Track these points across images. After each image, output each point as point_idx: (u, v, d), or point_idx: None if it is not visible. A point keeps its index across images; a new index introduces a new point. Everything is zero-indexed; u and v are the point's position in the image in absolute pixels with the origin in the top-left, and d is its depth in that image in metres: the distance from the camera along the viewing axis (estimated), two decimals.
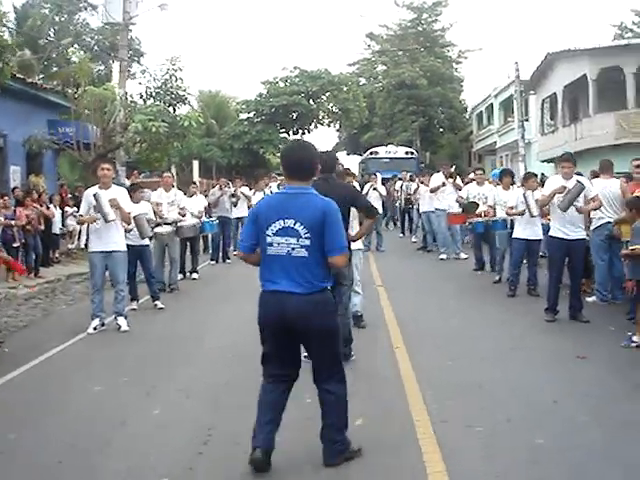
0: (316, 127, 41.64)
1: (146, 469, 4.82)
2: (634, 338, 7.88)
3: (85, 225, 18.62)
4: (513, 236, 11.50)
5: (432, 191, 16.54)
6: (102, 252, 9.29)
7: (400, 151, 35.41)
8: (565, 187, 9.17)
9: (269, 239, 4.61)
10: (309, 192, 4.70)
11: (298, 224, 4.54)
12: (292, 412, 5.03)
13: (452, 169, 17.39)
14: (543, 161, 32.73)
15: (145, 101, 20.42)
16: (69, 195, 19.90)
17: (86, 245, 18.61)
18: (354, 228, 7.79)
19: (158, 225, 12.03)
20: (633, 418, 5.68)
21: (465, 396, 6.27)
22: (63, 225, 18.28)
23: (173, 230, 12.41)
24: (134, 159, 23.28)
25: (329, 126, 43.14)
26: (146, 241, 10.97)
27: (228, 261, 16.87)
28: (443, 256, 16.21)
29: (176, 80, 20.50)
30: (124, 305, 9.72)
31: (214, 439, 5.29)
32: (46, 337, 9.19)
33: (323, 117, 41.16)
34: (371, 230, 14.58)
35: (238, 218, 16.88)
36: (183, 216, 12.70)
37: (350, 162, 49.15)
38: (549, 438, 5.19)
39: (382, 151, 35.06)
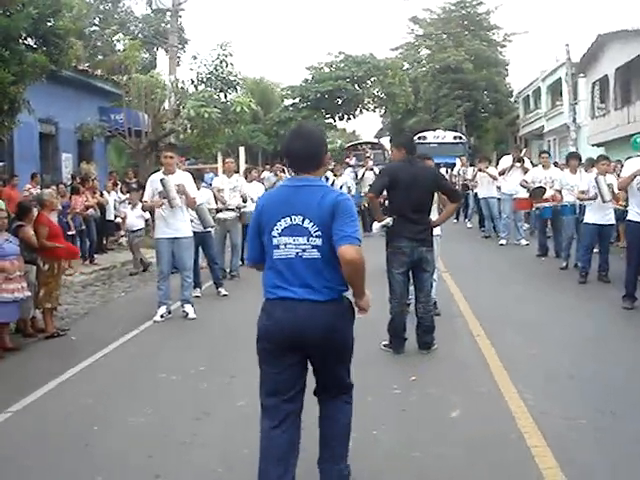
0: (361, 112, 41.24)
1: (239, 462, 4.66)
2: None
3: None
4: (584, 221, 11.17)
5: (500, 174, 16.17)
6: (168, 238, 9.18)
7: (448, 136, 34.95)
8: None
9: (275, 240, 3.92)
10: (318, 184, 4.01)
11: (307, 221, 3.85)
12: None
13: (522, 152, 16.90)
14: (593, 145, 32.02)
15: (196, 87, 20.27)
16: (118, 182, 19.88)
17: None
18: (434, 213, 7.60)
19: (220, 211, 11.89)
20: None
21: (558, 386, 6.06)
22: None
23: (236, 216, 12.26)
24: (184, 145, 23.20)
25: (374, 111, 42.73)
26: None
27: None
28: (503, 242, 15.89)
29: (227, 65, 20.33)
30: (191, 292, 9.62)
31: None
32: (110, 325, 9.13)
33: (368, 102, 40.69)
34: None
35: None
36: (244, 201, 12.55)
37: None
38: None
39: (430, 136, 34.62)
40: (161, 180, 8.98)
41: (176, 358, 7.44)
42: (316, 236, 3.86)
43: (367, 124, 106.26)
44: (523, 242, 15.83)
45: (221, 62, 20.29)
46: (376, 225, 7.20)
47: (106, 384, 6.60)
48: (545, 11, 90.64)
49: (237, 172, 13.29)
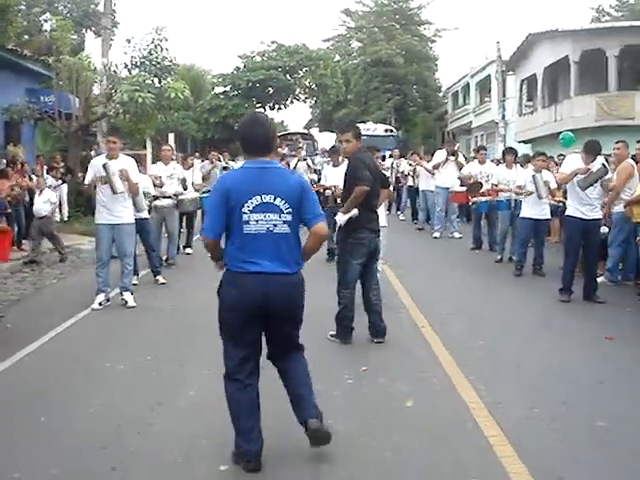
0: (292, 102, 41.18)
1: (197, 451, 4.60)
2: None
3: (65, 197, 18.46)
4: (521, 215, 11.41)
5: (434, 167, 16.35)
6: (109, 224, 8.96)
7: (379, 129, 35.23)
8: (589, 169, 9.06)
9: (245, 217, 4.23)
10: (280, 166, 4.56)
11: (279, 199, 4.25)
12: None
13: (456, 147, 17.13)
14: (520, 142, 32.72)
15: (130, 71, 19.85)
16: (45, 166, 19.29)
17: (69, 217, 18.45)
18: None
19: (157, 198, 11.68)
20: None
21: (508, 376, 6.17)
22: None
23: (173, 204, 12.08)
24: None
25: (305, 102, 42.76)
26: (146, 214, 10.64)
27: None
28: (437, 234, 16.08)
29: (161, 50, 19.97)
30: (130, 279, 9.43)
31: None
32: (47, 313, 8.86)
33: (299, 92, 40.68)
34: None
35: None
36: (185, 189, 12.38)
37: (324, 139, 48.85)
38: (609, 420, 5.10)
39: (361, 128, 34.67)
40: (104, 165, 8.73)
41: (120, 347, 7.27)
42: (287, 213, 4.28)
43: (296, 114, 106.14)
44: (457, 235, 16.07)
45: (156, 47, 19.91)
46: (343, 217, 7.13)
47: (49, 374, 6.38)
48: (475, 9, 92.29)
49: (173, 159, 13.07)
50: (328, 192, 12.23)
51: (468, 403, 5.42)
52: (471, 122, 43.04)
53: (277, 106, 40.24)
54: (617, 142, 10.53)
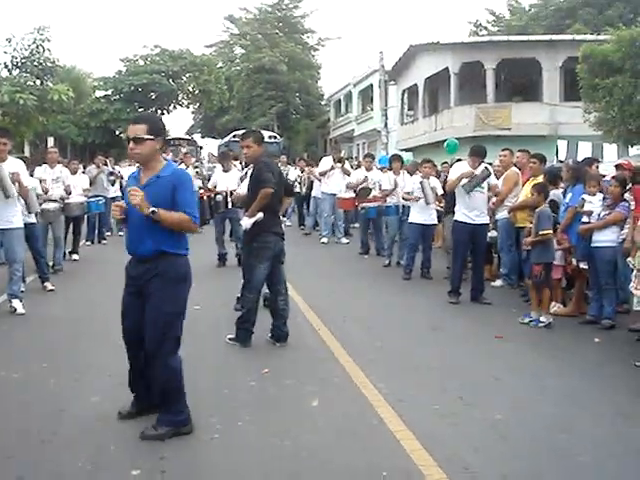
0: (175, 108, 40.86)
1: (105, 458, 4.54)
2: (541, 318, 8.29)
3: None
4: (409, 221, 11.76)
5: (321, 174, 16.56)
6: None
7: (264, 135, 35.20)
8: (473, 172, 9.47)
9: None
10: None
11: None
12: None
13: (341, 153, 17.42)
14: (402, 149, 33.54)
15: (10, 71, 19.24)
16: None
17: None
18: None
19: (43, 202, 11.33)
20: (571, 388, 6.02)
21: (407, 375, 6.34)
22: None
23: (59, 207, 11.76)
24: None
25: (188, 107, 42.52)
26: (33, 218, 10.33)
27: (104, 242, 16.29)
28: (324, 240, 16.29)
29: (43, 51, 19.48)
30: (19, 286, 9.11)
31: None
32: None
33: (183, 98, 40.42)
34: None
35: (113, 198, 16.36)
36: (68, 193, 12.10)
37: (206, 144, 48.66)
38: (505, 413, 5.36)
39: None
40: None
41: (13, 355, 7.01)
42: None
43: (178, 120, 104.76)
44: (343, 240, 16.34)
45: (37, 47, 19.43)
46: (248, 220, 7.16)
47: None
48: (358, 19, 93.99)
49: (59, 162, 12.74)
50: (219, 197, 12.22)
51: (371, 401, 5.56)
52: (353, 130, 43.81)
53: (160, 111, 39.72)
54: (503, 149, 11.01)
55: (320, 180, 16.79)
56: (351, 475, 4.30)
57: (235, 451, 4.61)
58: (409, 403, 5.52)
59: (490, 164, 10.62)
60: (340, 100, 48.55)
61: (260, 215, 7.12)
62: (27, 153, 37.31)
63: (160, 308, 4.76)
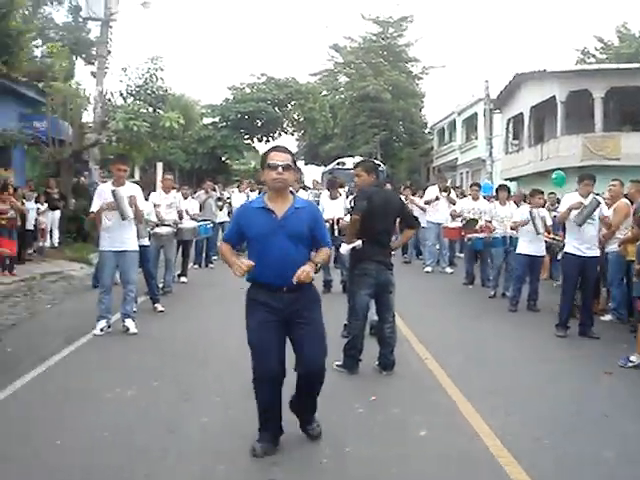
0: (280, 135, 41.49)
1: (216, 476, 4.65)
2: (632, 358, 7.95)
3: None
4: (517, 251, 11.59)
5: (426, 203, 16.54)
6: (114, 251, 9.02)
7: (376, 164, 35.37)
8: (582, 203, 9.30)
9: None
10: None
11: None
12: None
13: (447, 182, 17.37)
14: (506, 179, 33.11)
15: (125, 99, 20.06)
16: (34, 192, 19.26)
17: (59, 243, 18.44)
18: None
19: (157, 226, 11.75)
20: None
21: (515, 409, 6.25)
22: (35, 222, 17.77)
23: (172, 231, 12.16)
24: (106, 157, 22.83)
25: (292, 134, 43.11)
26: (146, 241, 10.72)
27: (211, 265, 16.68)
28: (428, 269, 16.22)
29: (156, 80, 20.23)
30: (132, 307, 9.44)
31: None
32: (47, 338, 8.86)
33: (288, 125, 41.04)
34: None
35: (221, 223, 16.82)
36: (181, 218, 12.51)
37: (309, 171, 49.25)
38: (615, 451, 5.22)
39: (349, 162, 35.02)
40: (112, 191, 8.81)
41: (126, 373, 7.28)
42: None
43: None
44: (448, 270, 16.22)
45: (151, 76, 20.20)
46: (346, 247, 7.27)
47: (57, 398, 6.39)
48: (462, 47, 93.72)
49: (174, 188, 13.18)
50: (327, 225, 12.33)
51: (479, 433, 5.52)
52: (457, 159, 43.53)
53: (265, 138, 40.48)
54: (613, 180, 10.76)
55: (423, 209, 16.74)
56: None
57: (343, 476, 4.65)
58: (516, 436, 5.45)
59: (598, 194, 10.39)
60: (444, 128, 48.37)
61: (358, 243, 7.21)
62: (137, 177, 38.76)
63: (320, 330, 5.03)
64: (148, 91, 20.01)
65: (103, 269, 9.18)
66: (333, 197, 12.93)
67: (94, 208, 9.15)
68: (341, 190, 14.65)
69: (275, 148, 5.03)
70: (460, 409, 6.13)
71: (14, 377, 6.94)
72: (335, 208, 12.54)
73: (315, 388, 5.13)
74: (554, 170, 26.45)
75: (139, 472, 4.67)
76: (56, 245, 18.69)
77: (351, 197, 11.84)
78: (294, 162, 4.98)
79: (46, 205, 18.16)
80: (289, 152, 4.97)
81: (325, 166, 40.44)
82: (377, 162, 34.85)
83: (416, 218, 8.46)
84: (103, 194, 9.02)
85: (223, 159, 39.93)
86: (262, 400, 4.99)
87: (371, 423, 5.75)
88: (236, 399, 6.02)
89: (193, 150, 38.45)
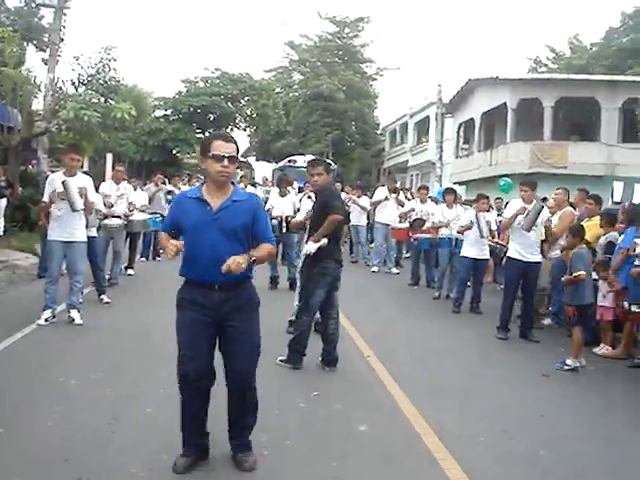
0: (232, 130, 41.30)
1: (158, 466, 4.70)
2: (567, 361, 8.20)
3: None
4: (461, 254, 11.83)
5: (375, 204, 16.71)
6: (62, 241, 8.96)
7: (332, 165, 35.58)
8: (525, 209, 9.54)
9: None
10: None
11: None
12: None
13: (396, 184, 17.57)
14: (456, 183, 33.51)
15: (77, 88, 19.82)
16: None
17: (4, 232, 18.13)
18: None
19: (106, 217, 11.68)
20: (615, 432, 6.06)
21: (454, 407, 6.42)
22: None
23: (122, 224, 12.11)
24: (54, 147, 22.55)
25: (245, 130, 43.03)
26: (94, 232, 10.67)
27: (158, 259, 16.62)
28: (375, 269, 16.40)
29: (109, 70, 20.04)
30: (79, 297, 9.37)
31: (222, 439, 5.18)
32: None
33: (240, 121, 40.93)
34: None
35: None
36: (131, 210, 12.46)
37: (260, 168, 49.30)
38: (549, 449, 5.42)
39: (300, 160, 35.09)
40: (63, 182, 8.75)
41: (70, 363, 7.27)
42: None
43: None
44: (394, 270, 16.43)
45: (104, 66, 20.00)
46: (313, 245, 7.37)
47: (3, 385, 6.37)
48: (417, 51, 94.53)
49: (125, 180, 13.10)
50: (274, 222, 12.40)
51: (418, 430, 5.66)
52: (407, 161, 43.89)
53: None
54: (558, 188, 11.04)
55: (364, 209, 17.01)
56: None
57: (282, 469, 4.75)
58: (455, 434, 5.60)
59: (545, 199, 10.66)
60: (396, 130, 48.72)
61: (325, 241, 7.32)
62: (86, 168, 38.26)
63: (253, 341, 4.70)
64: (100, 81, 19.79)
65: (51, 259, 9.11)
66: (282, 194, 13.01)
67: (45, 197, 9.11)
68: (290, 188, 14.76)
69: (220, 136, 4.62)
70: (401, 407, 6.27)
71: None
72: (284, 205, 12.64)
73: (247, 404, 4.77)
74: (502, 176, 27.05)
75: (83, 461, 4.69)
76: (1, 234, 18.37)
77: (303, 195, 11.98)
78: (237, 151, 4.62)
79: None
80: (234, 141, 4.62)
81: (276, 163, 40.41)
82: (329, 161, 35.18)
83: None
84: (54, 183, 8.96)
85: (174, 152, 39.63)
86: (188, 407, 4.68)
87: (312, 418, 5.86)
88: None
89: (143, 142, 38.08)
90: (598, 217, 9.85)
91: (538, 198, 10.09)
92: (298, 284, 8.92)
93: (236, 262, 4.31)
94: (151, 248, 16.61)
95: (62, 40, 22.42)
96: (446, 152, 35.05)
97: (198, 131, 39.62)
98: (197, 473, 4.61)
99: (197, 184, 15.42)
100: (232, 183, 4.71)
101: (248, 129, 43.64)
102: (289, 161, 34.92)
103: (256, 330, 4.73)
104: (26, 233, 18.58)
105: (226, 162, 4.46)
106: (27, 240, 17.69)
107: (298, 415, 5.91)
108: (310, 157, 36.59)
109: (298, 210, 12.35)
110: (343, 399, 6.40)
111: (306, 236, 7.98)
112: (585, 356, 8.40)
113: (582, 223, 9.69)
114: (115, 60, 19.98)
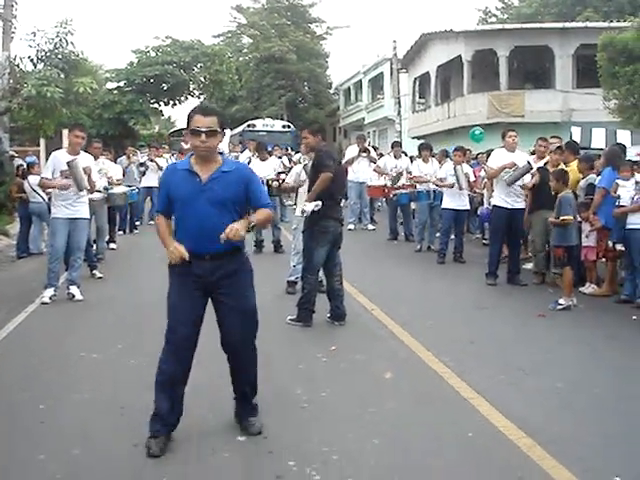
0: (186, 98, 40.91)
1: (207, 430, 4.87)
2: (560, 301, 8.59)
3: None
4: (442, 206, 12.16)
5: (347, 163, 16.87)
6: (67, 219, 9.03)
7: (277, 124, 35.55)
8: (515, 164, 9.83)
9: None
10: None
11: None
12: None
13: (366, 143, 17.76)
14: (414, 137, 33.86)
15: (35, 65, 19.51)
16: None
17: None
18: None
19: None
20: (623, 361, 6.50)
21: (466, 350, 6.76)
22: None
23: (103, 197, 12.13)
24: (18, 126, 22.27)
25: (199, 97, 42.54)
26: None
27: (136, 231, 16.68)
28: (351, 226, 16.60)
29: (67, 44, 19.72)
30: (79, 274, 9.46)
31: None
32: None
33: (194, 88, 40.48)
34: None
35: (147, 187, 16.84)
36: (110, 184, 12.49)
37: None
38: (565, 382, 5.80)
39: (259, 124, 35.09)
40: (68, 162, 8.78)
41: (87, 338, 7.33)
42: None
43: (185, 110, 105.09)
44: (370, 227, 16.71)
45: (61, 40, 19.66)
46: (309, 206, 7.55)
47: (27, 364, 6.41)
48: (366, 8, 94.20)
49: (102, 155, 13.08)
50: None
51: (440, 373, 5.98)
52: (364, 118, 44.04)
53: (172, 102, 39.91)
54: (539, 138, 11.22)
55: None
56: (438, 435, 4.71)
57: (327, 419, 5.01)
58: (475, 374, 5.92)
59: (534, 153, 10.96)
60: (350, 89, 48.78)
61: (318, 203, 7.52)
62: (42, 145, 37.73)
63: (249, 304, 4.73)
64: (59, 56, 19.44)
65: (56, 237, 9.09)
66: (263, 158, 13.16)
67: (46, 174, 9.13)
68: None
69: (199, 110, 4.59)
70: (417, 353, 6.59)
71: None
72: (265, 169, 12.79)
73: (246, 368, 4.83)
74: (461, 128, 27.46)
75: (136, 428, 4.80)
76: None
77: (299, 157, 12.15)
78: (221, 123, 4.54)
79: None
80: (214, 113, 4.56)
81: (231, 129, 40.20)
82: (287, 123, 35.18)
83: None
84: (57, 161, 8.99)
85: (129, 124, 39.17)
86: (165, 369, 4.68)
87: (337, 369, 6.13)
88: (206, 358, 6.16)
89: (98, 115, 37.52)
90: (575, 162, 10.15)
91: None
92: (294, 246, 9.21)
93: (234, 230, 4.35)
94: (127, 221, 16.63)
95: (15, 17, 22.04)
96: (403, 107, 35.30)
97: (152, 101, 39.14)
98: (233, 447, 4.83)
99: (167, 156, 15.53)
100: (221, 154, 4.71)
101: (202, 96, 43.20)
102: (248, 125, 34.90)
103: (250, 294, 4.75)
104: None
105: (203, 137, 4.42)
106: (1, 221, 17.61)
107: (323, 368, 6.17)
108: (269, 120, 36.76)
109: (279, 173, 12.61)
110: (361, 351, 6.68)
111: (304, 198, 8.14)
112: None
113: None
114: (72, 34, 19.60)
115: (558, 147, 10.73)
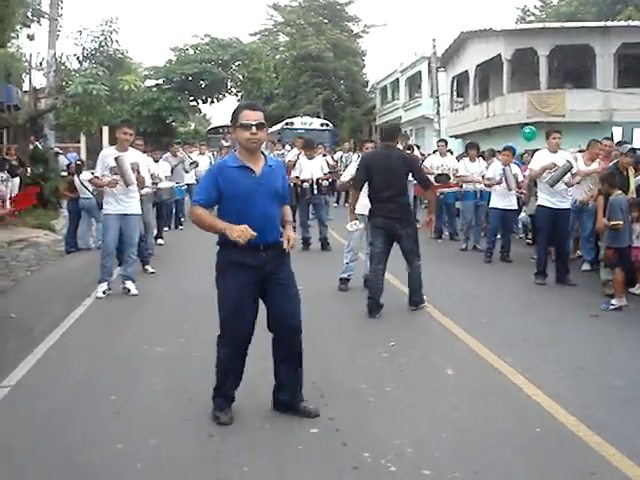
0: (224, 96, 41.24)
1: (285, 421, 4.98)
2: (613, 301, 8.59)
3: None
4: (490, 206, 12.20)
5: None
6: (118, 214, 9.21)
7: (315, 122, 35.57)
8: (555, 164, 9.85)
9: None
10: None
11: None
12: None
13: (410, 141, 17.80)
14: (451, 136, 33.75)
15: (81, 63, 19.85)
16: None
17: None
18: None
19: None
20: None
21: (522, 348, 6.81)
22: None
23: (152, 192, 12.29)
24: (62, 123, 22.62)
25: (236, 95, 42.83)
26: None
27: (181, 227, 16.91)
28: None
29: (112, 43, 20.05)
30: (134, 269, 9.65)
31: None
32: (46, 304, 8.95)
33: (232, 86, 40.78)
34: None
35: (189, 184, 17.05)
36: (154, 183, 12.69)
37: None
38: (624, 380, 5.85)
39: (297, 122, 35.16)
40: (116, 158, 8.97)
41: (147, 332, 7.48)
42: None
43: (227, 108, 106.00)
44: (417, 225, 16.68)
45: (106, 39, 19.98)
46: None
47: (93, 358, 6.53)
48: (403, 6, 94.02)
49: (145, 152, 13.26)
50: (306, 184, 12.78)
51: (500, 369, 6.07)
52: (400, 117, 43.96)
53: (210, 100, 40.26)
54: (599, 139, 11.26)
55: None
56: (507, 430, 4.80)
57: (394, 413, 5.11)
58: (535, 371, 5.99)
59: (581, 152, 10.96)
60: (386, 87, 48.73)
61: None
62: (83, 142, 38.25)
63: (296, 289, 5.03)
64: (104, 54, 19.78)
65: (107, 233, 9.28)
66: (310, 157, 13.29)
67: (97, 172, 9.33)
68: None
69: (247, 106, 4.83)
70: (475, 350, 6.68)
71: (34, 343, 7.04)
72: (313, 168, 12.97)
73: (297, 348, 5.02)
74: (500, 127, 27.38)
75: (207, 419, 4.97)
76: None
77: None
78: (265, 118, 4.82)
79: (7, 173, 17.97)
80: (260, 108, 4.84)
81: (270, 127, 40.29)
82: (326, 122, 35.24)
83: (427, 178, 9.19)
84: (106, 159, 9.19)
85: (168, 122, 39.56)
86: (229, 362, 4.99)
87: (398, 365, 6.22)
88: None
89: (137, 113, 37.95)
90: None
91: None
92: (348, 243, 9.45)
93: (292, 237, 4.89)
94: (173, 217, 16.85)
95: (60, 16, 22.45)
96: (441, 106, 35.25)
97: (191, 99, 39.55)
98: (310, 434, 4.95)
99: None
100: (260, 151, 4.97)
101: (240, 94, 43.46)
102: (286, 123, 34.98)
103: (294, 279, 5.06)
104: (40, 210, 18.76)
105: (254, 129, 4.67)
106: (42, 217, 17.92)
107: (384, 364, 6.27)
108: (307, 118, 36.85)
109: (327, 173, 12.86)
110: (419, 347, 6.79)
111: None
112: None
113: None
114: (117, 32, 19.93)
115: (631, 149, 10.68)
